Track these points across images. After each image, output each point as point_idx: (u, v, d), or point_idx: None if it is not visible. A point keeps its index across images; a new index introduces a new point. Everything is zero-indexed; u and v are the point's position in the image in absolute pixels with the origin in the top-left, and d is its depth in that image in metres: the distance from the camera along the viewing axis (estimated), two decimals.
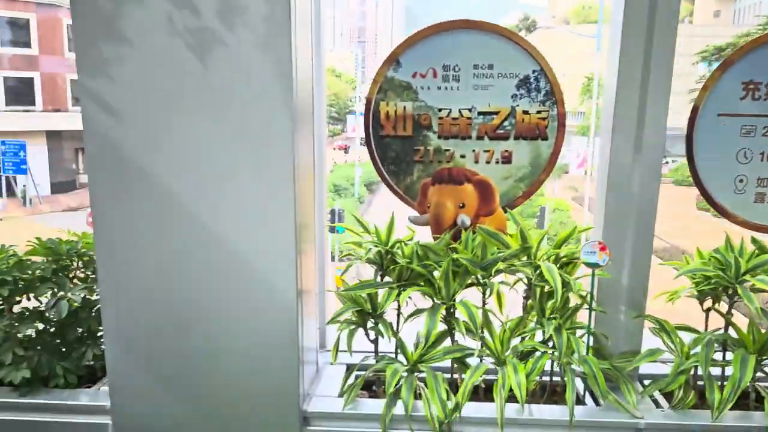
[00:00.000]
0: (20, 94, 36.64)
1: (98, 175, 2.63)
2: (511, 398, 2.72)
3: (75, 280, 3.13)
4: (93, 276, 3.13)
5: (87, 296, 3.04)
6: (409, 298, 2.97)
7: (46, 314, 2.93)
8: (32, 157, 34.55)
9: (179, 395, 2.82)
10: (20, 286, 2.90)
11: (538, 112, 3.10)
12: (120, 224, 2.67)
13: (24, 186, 34.79)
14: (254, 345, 2.75)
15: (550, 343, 2.91)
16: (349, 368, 3.24)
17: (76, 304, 2.91)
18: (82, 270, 3.19)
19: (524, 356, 2.96)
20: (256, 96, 2.52)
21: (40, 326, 3.05)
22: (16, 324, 2.94)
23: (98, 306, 3.07)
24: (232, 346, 2.76)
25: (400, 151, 3.19)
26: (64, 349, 3.09)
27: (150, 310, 2.74)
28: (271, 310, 2.71)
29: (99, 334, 3.11)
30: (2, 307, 2.96)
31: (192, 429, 2.85)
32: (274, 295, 2.69)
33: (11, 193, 34.96)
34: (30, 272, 2.94)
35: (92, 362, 3.07)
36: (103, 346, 3.12)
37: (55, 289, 2.94)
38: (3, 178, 33.85)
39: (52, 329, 3.07)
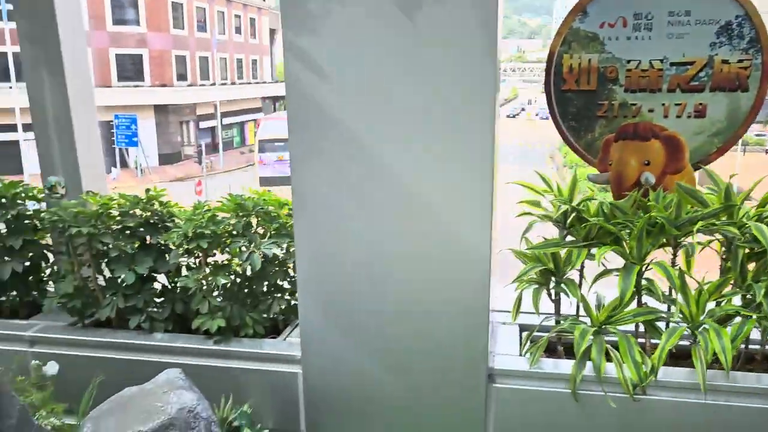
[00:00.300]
0: (130, 70, 38.77)
1: (298, 132, 2.69)
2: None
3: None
4: (274, 232, 3.24)
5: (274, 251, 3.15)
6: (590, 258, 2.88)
7: (239, 267, 3.07)
8: (141, 130, 36.62)
9: (368, 348, 2.89)
10: (215, 240, 3.05)
11: (740, 61, 2.87)
12: (317, 182, 2.73)
13: (136, 157, 36.99)
14: (446, 302, 2.76)
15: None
16: (522, 329, 3.20)
17: (271, 256, 3.02)
18: (262, 226, 3.30)
19: (721, 321, 2.80)
20: (461, 55, 2.49)
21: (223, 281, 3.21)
22: (211, 276, 3.10)
23: (284, 260, 3.18)
24: (423, 303, 2.78)
25: (581, 106, 3.06)
26: (251, 302, 3.23)
27: (343, 265, 2.81)
28: (465, 270, 2.70)
29: (285, 287, 3.23)
30: (199, 259, 3.13)
31: (379, 381, 2.92)
32: (469, 256, 2.68)
33: (124, 164, 37.30)
34: (222, 227, 3.08)
35: (277, 315, 3.20)
36: (288, 300, 3.25)
37: (247, 243, 3.07)
38: (117, 150, 36.11)
39: (242, 282, 3.22)
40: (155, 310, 3.28)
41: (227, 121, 43.47)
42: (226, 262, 3.20)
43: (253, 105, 46.62)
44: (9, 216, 3.39)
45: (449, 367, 2.84)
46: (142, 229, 3.28)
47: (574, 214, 2.93)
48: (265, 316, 3.20)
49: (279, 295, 3.22)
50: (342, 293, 2.85)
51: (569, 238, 2.99)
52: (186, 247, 3.05)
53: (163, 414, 2.31)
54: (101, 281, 3.35)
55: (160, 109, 39.15)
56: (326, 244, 2.80)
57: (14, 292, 3.56)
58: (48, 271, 3.65)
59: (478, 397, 2.84)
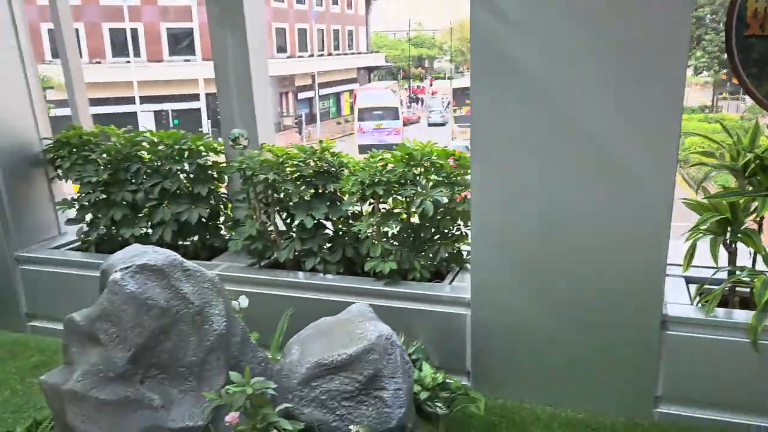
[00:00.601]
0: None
1: (482, 83, 2.79)
2: None
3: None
4: (440, 179, 3.36)
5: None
6: None
7: (410, 214, 3.24)
8: None
9: (539, 294, 2.98)
10: (389, 187, 3.22)
11: None
12: (498, 132, 2.83)
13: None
14: (622, 250, 2.79)
15: None
16: (687, 281, 3.19)
17: (441, 203, 3.16)
18: (426, 176, 3.44)
19: None
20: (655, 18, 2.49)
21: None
22: (383, 222, 3.29)
23: (452, 208, 3.32)
24: (599, 251, 2.83)
25: (765, 52, 2.95)
26: (418, 247, 3.40)
27: (520, 214, 2.90)
28: (644, 220, 2.72)
29: (451, 234, 3.37)
30: (372, 206, 3.33)
31: (549, 326, 3.01)
32: (650, 208, 2.70)
33: None
34: (395, 175, 3.24)
35: (441, 260, 3.35)
36: (454, 246, 3.39)
37: (417, 191, 3.22)
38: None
39: (410, 228, 3.39)
40: (328, 253, 3.52)
41: (323, 92, 44.26)
42: (393, 210, 3.38)
43: (348, 76, 47.14)
44: (194, 166, 3.72)
45: (622, 314, 2.89)
46: (315, 179, 3.50)
47: (756, 163, 2.86)
48: (431, 261, 3.35)
49: (445, 241, 3.36)
50: (516, 241, 2.94)
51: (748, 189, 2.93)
52: (361, 194, 3.24)
53: (364, 340, 2.52)
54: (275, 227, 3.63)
55: None
56: (503, 192, 2.90)
57: (196, 237, 3.92)
58: (222, 218, 4.00)
59: (650, 343, 2.87)
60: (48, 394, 2.47)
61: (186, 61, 32.28)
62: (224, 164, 3.86)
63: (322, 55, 45.43)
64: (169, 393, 2.34)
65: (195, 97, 31.37)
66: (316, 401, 2.48)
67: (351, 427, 2.42)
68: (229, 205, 3.96)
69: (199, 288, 2.44)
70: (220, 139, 3.99)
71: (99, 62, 29.01)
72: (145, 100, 29.46)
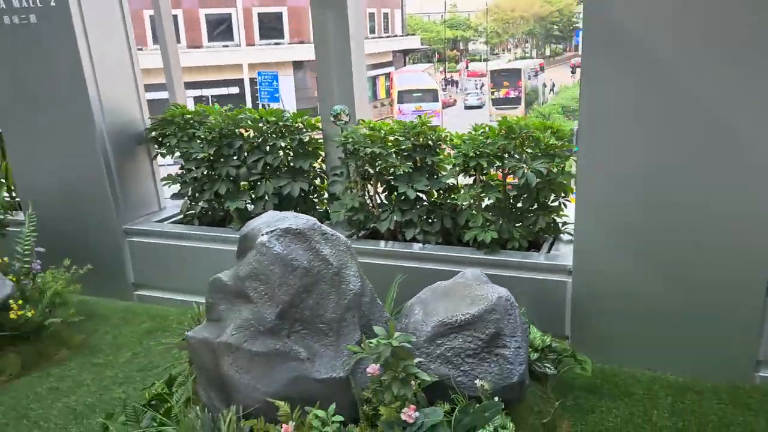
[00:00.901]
0: (270, 28, 40.46)
1: (593, 52, 2.88)
2: None
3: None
4: (536, 153, 3.47)
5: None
6: None
7: (507, 185, 3.37)
8: (282, 86, 38.37)
9: (643, 261, 3.08)
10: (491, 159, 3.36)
11: None
12: (609, 104, 2.92)
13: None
14: (731, 219, 2.86)
15: None
16: None
17: (543, 174, 3.28)
18: (520, 149, 3.55)
19: None
20: None
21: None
22: (484, 193, 3.43)
23: (551, 179, 3.43)
24: (707, 222, 2.90)
25: None
26: (517, 217, 3.54)
27: (627, 185, 3.00)
28: (756, 191, 2.80)
29: (550, 205, 3.49)
30: (474, 177, 3.47)
31: (653, 293, 3.11)
32: (765, 179, 2.77)
33: None
34: (496, 147, 3.37)
35: (541, 230, 3.48)
36: (552, 217, 3.51)
37: (518, 163, 3.35)
38: (260, 106, 38.21)
39: (510, 199, 3.52)
40: (426, 224, 3.68)
41: None
42: (491, 181, 3.51)
43: (384, 59, 47.05)
44: (296, 142, 3.91)
45: (726, 279, 2.97)
46: (413, 152, 3.65)
47: None
48: (531, 231, 3.48)
49: (543, 212, 3.48)
50: (621, 210, 3.05)
51: None
52: (464, 166, 3.38)
53: (486, 301, 2.68)
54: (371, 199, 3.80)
55: (298, 65, 40.67)
56: (610, 162, 3.00)
57: (296, 210, 4.11)
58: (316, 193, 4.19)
59: (754, 308, 2.96)
60: (194, 349, 2.69)
61: (225, 46, 32.90)
62: (321, 140, 4.04)
63: None
64: (312, 347, 2.53)
65: (232, 82, 31.89)
66: (442, 357, 2.64)
67: (476, 381, 2.57)
68: (326, 180, 4.14)
69: (336, 250, 2.62)
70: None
71: (141, 48, 29.78)
72: (186, 86, 30.07)
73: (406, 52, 48.77)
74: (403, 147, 3.64)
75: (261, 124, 4.01)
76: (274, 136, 3.96)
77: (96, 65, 4.05)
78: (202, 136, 4.07)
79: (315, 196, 4.22)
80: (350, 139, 3.60)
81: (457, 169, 3.45)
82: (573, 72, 45.85)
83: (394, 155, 3.59)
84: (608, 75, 2.89)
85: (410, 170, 3.59)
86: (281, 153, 3.98)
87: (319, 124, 4.03)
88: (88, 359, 3.71)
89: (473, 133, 3.44)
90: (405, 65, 47.76)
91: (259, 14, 40.38)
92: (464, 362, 2.65)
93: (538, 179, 3.28)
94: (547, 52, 60.77)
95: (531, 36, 60.24)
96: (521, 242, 3.48)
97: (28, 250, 3.97)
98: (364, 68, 3.99)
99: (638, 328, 3.20)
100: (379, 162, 3.67)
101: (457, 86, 50.45)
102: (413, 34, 51.17)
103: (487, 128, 3.50)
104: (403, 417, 2.36)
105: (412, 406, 2.37)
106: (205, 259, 4.17)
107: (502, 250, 3.51)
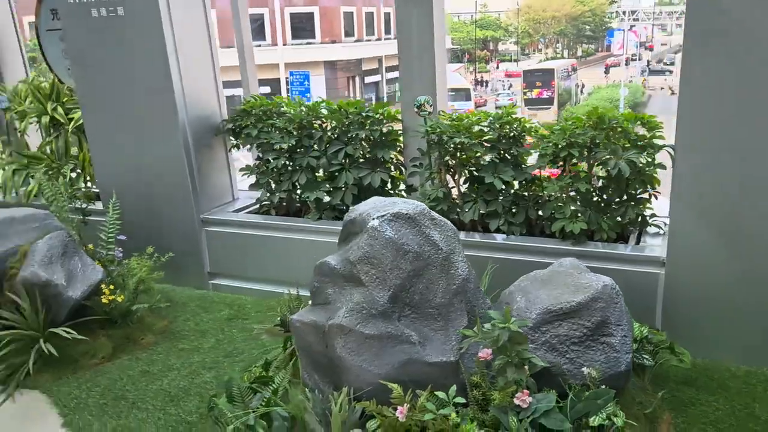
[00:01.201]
0: (302, 28, 40.75)
1: (696, 44, 2.85)
2: None
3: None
4: (625, 144, 3.44)
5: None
6: None
7: (592, 176, 3.36)
8: (313, 85, 38.62)
9: (739, 255, 3.03)
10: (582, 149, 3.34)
11: None
12: (708, 93, 2.88)
13: None
14: None
15: None
16: None
17: (636, 165, 3.26)
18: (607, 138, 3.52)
19: None
20: None
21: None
22: (573, 184, 3.41)
23: (642, 170, 3.40)
24: None
25: None
26: (604, 208, 3.51)
27: (724, 175, 2.96)
28: None
29: (639, 196, 3.46)
30: (562, 167, 3.46)
31: (747, 286, 3.06)
32: None
33: None
34: (586, 137, 3.35)
35: (630, 222, 3.45)
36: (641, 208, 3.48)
37: (609, 154, 3.32)
38: None
39: (597, 190, 3.50)
40: (511, 215, 3.67)
41: (390, 75, 44.39)
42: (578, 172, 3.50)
43: None
44: (378, 132, 3.93)
45: None
46: (497, 142, 3.65)
47: None
48: (619, 222, 3.45)
49: (633, 203, 3.44)
50: (719, 203, 3.00)
51: None
52: (553, 156, 3.37)
53: (591, 289, 2.66)
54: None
55: (329, 65, 40.89)
56: (708, 155, 2.96)
57: None
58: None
59: None
60: (300, 332, 2.73)
61: (257, 46, 33.37)
62: (400, 131, 4.06)
63: (389, 38, 45.45)
64: (422, 330, 2.55)
65: (263, 82, 32.36)
66: (547, 345, 2.64)
67: (584, 369, 2.56)
68: (404, 171, 4.16)
69: (444, 236, 2.63)
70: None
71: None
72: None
73: None
74: (488, 137, 3.64)
75: (342, 115, 4.05)
76: (354, 126, 3.99)
77: (180, 58, 4.13)
78: (282, 127, 4.13)
79: (391, 187, 4.24)
80: (437, 129, 3.61)
81: (546, 159, 3.44)
82: (606, 72, 45.28)
83: (480, 145, 3.59)
84: (710, 65, 2.86)
85: (497, 160, 3.60)
86: (362, 144, 4.01)
87: (398, 115, 4.05)
88: (173, 344, 3.78)
89: (564, 123, 3.43)
90: None
91: (291, 14, 40.71)
92: (569, 350, 2.64)
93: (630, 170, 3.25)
94: (579, 53, 60.10)
95: (562, 36, 59.64)
96: (609, 234, 3.45)
97: (111, 237, 4.07)
98: (446, 60, 4.00)
99: (734, 321, 3.16)
100: (461, 152, 3.68)
101: (486, 86, 50.16)
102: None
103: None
104: (517, 401, 2.36)
105: (526, 391, 2.37)
106: (281, 249, 4.22)
107: (589, 242, 3.49)
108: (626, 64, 41.65)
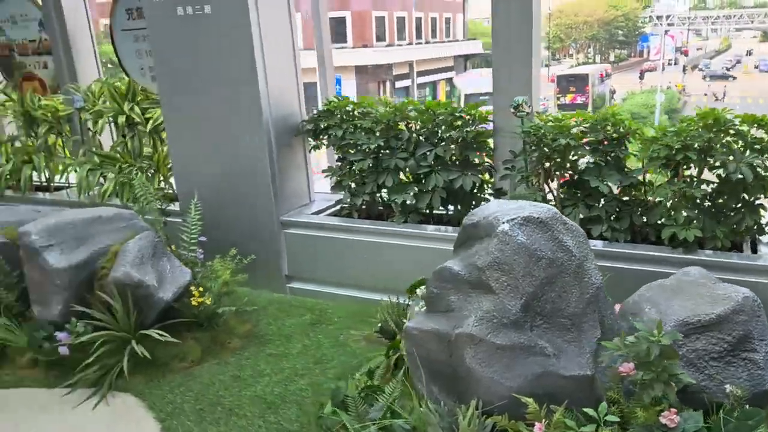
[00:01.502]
0: (334, 32, 40.91)
1: None
2: None
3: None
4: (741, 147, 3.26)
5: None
6: None
7: (714, 180, 3.18)
8: (344, 90, 38.72)
9: None
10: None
11: None
12: None
13: None
14: None
15: None
16: None
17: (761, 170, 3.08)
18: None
19: None
20: None
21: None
22: (686, 188, 3.24)
23: (763, 176, 3.21)
24: None
25: None
26: (718, 215, 3.33)
27: None
28: None
29: (758, 204, 3.28)
30: (673, 172, 3.29)
31: None
32: None
33: None
34: (700, 140, 3.18)
35: (747, 229, 3.26)
36: (759, 214, 3.29)
37: (727, 158, 3.15)
38: None
39: (710, 195, 3.33)
40: (614, 221, 3.51)
41: (420, 80, 44.29)
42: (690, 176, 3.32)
43: (445, 64, 46.90)
44: (471, 134, 3.81)
45: None
46: (600, 145, 3.49)
47: None
48: (735, 230, 3.27)
49: (750, 209, 3.26)
50: None
51: None
52: (665, 159, 3.20)
53: (730, 300, 2.50)
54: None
55: (360, 70, 40.94)
56: None
57: (462, 203, 4.01)
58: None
59: None
60: (417, 340, 2.60)
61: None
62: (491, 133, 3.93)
63: (420, 43, 45.43)
64: (555, 341, 2.40)
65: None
66: (684, 359, 2.47)
67: (726, 386, 2.40)
68: (493, 174, 4.02)
69: (576, 241, 2.49)
70: None
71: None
72: None
73: (467, 57, 48.44)
74: (589, 139, 3.49)
75: (430, 116, 3.93)
76: (445, 128, 3.87)
77: (266, 57, 4.06)
78: (369, 128, 4.02)
79: (478, 191, 4.11)
80: (541, 130, 3.47)
81: (658, 162, 3.27)
82: (641, 78, 44.50)
83: (582, 147, 3.44)
84: None
85: (602, 163, 3.44)
86: (453, 146, 3.88)
87: (490, 117, 3.92)
88: (260, 349, 3.69)
89: (680, 125, 3.26)
90: (466, 70, 47.49)
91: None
92: (708, 365, 2.48)
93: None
94: (611, 58, 59.27)
95: (594, 41, 58.90)
96: (724, 242, 3.27)
97: (194, 239, 4.00)
98: (540, 62, 3.86)
99: None
100: (558, 155, 3.54)
101: None
102: (474, 39, 50.77)
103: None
104: (664, 420, 2.20)
105: (673, 410, 2.22)
106: (364, 253, 4.11)
107: (700, 250, 3.31)
108: (662, 69, 40.87)
